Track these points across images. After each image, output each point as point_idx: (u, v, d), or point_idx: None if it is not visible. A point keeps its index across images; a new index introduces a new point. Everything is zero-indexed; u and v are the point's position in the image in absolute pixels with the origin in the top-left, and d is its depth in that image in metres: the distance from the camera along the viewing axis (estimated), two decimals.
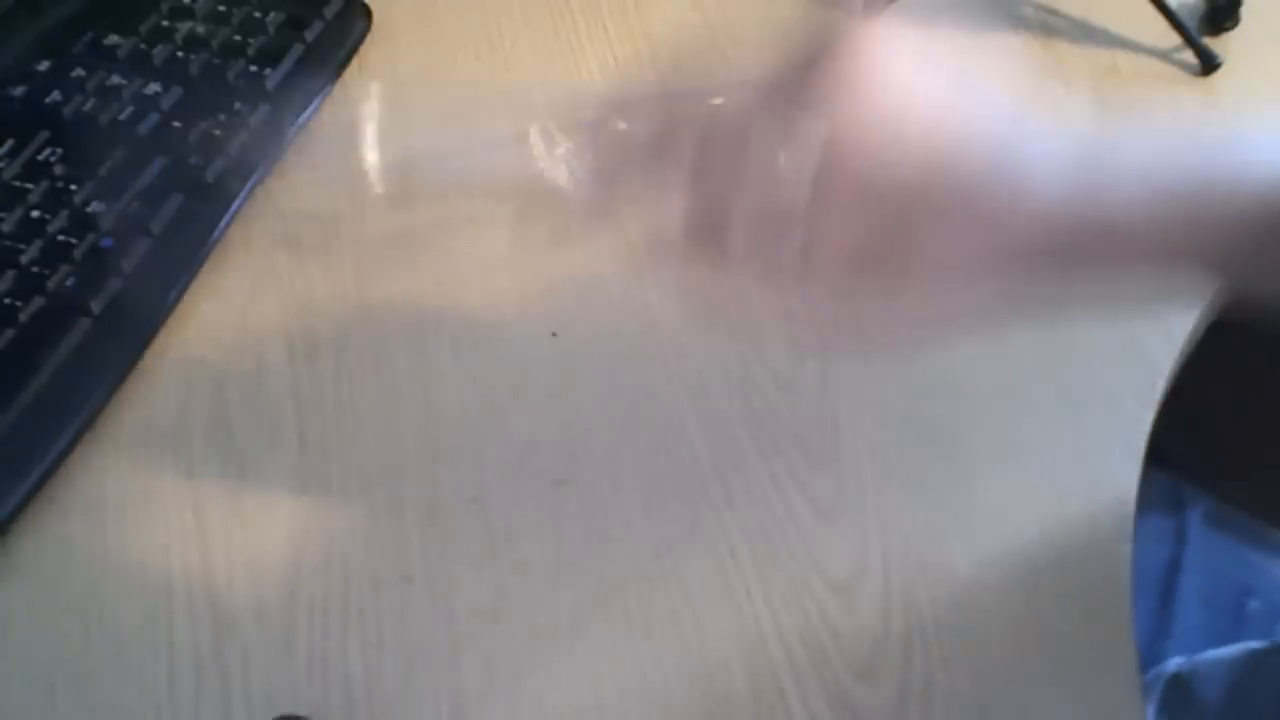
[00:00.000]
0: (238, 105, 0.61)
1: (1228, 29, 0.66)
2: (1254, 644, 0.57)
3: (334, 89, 0.64)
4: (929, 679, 0.44)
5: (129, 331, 0.54)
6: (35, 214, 0.56)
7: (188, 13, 0.65)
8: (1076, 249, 0.39)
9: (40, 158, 0.58)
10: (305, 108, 0.62)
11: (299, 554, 0.48)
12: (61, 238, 0.55)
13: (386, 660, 0.45)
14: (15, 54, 0.64)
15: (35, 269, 0.54)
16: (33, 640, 0.46)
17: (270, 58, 0.63)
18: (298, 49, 0.64)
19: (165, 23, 0.65)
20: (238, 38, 0.64)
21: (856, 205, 0.38)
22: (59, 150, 0.59)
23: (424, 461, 0.51)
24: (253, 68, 0.62)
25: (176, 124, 0.60)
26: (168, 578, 0.48)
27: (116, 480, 0.50)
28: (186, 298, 0.55)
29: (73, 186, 0.57)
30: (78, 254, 0.55)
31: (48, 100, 0.61)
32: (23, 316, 0.53)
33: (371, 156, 0.62)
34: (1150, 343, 0.52)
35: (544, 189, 0.60)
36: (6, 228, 0.56)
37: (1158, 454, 0.68)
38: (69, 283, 0.54)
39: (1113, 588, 0.46)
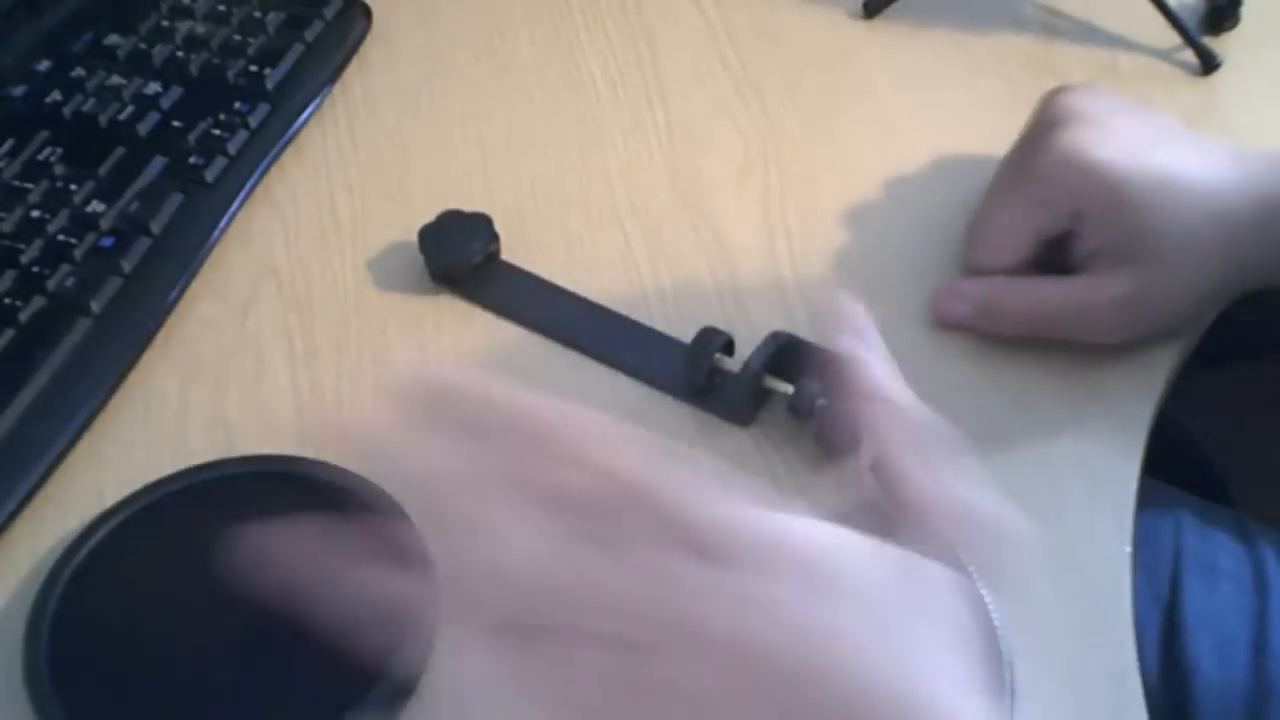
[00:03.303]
0: (238, 105, 0.61)
1: (1228, 29, 0.66)
2: None
3: (334, 89, 0.64)
4: None
5: (129, 331, 0.54)
6: (35, 214, 0.56)
7: (188, 13, 0.66)
8: None
9: (40, 158, 0.58)
10: (305, 108, 0.62)
11: None
12: (61, 238, 0.55)
13: None
14: (15, 54, 0.64)
15: (35, 269, 0.54)
16: None
17: (270, 58, 0.63)
18: (298, 49, 0.64)
19: (165, 23, 0.65)
20: (238, 38, 0.64)
21: None
22: (59, 150, 0.59)
23: None
24: (253, 68, 0.62)
25: (176, 124, 0.60)
26: None
27: (116, 480, 0.50)
28: (186, 297, 0.55)
29: (73, 186, 0.57)
30: (78, 254, 0.55)
31: (48, 100, 0.61)
32: (23, 316, 0.53)
33: (371, 156, 0.62)
34: (1150, 343, 0.52)
35: (544, 188, 0.60)
36: (6, 228, 0.56)
37: (1221, 490, 0.66)
38: (69, 283, 0.54)
39: (1112, 589, 0.46)
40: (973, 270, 0.54)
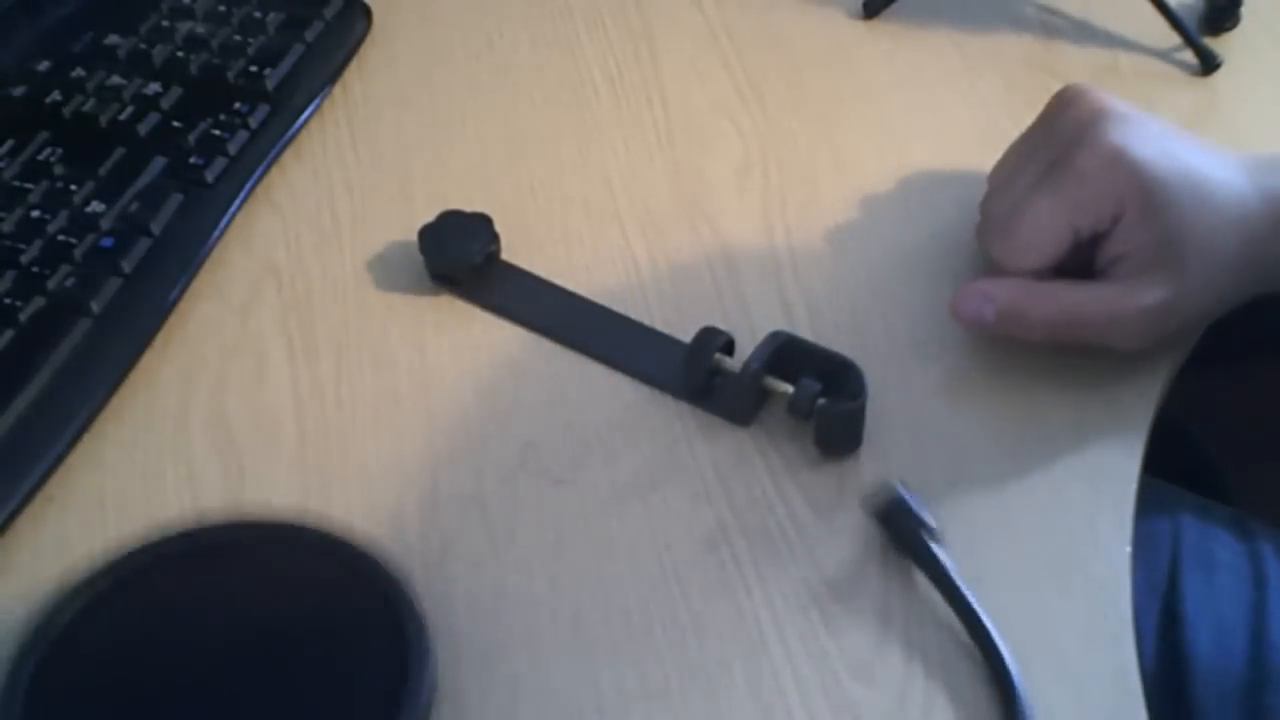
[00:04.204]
0: (238, 105, 0.61)
1: (1228, 29, 0.66)
2: None
3: (334, 89, 0.64)
4: (929, 679, 0.44)
5: (129, 331, 0.54)
6: (35, 214, 0.56)
7: (188, 13, 0.66)
8: None
9: (40, 158, 0.59)
10: (305, 108, 0.62)
11: None
12: (61, 238, 0.55)
13: None
14: (15, 54, 0.64)
15: (35, 269, 0.54)
16: None
17: (270, 58, 0.63)
18: (298, 49, 0.64)
19: (165, 23, 0.65)
20: (238, 38, 0.64)
21: None
22: (59, 150, 0.59)
23: (424, 461, 0.51)
24: (253, 68, 0.62)
25: (176, 124, 0.60)
26: None
27: (116, 480, 0.50)
28: (186, 298, 0.56)
29: (73, 186, 0.57)
30: (78, 254, 0.55)
31: (48, 100, 0.61)
32: (23, 316, 0.53)
33: (371, 156, 0.62)
34: None
35: (544, 188, 0.60)
36: (6, 228, 0.56)
37: (1221, 489, 0.66)
38: (69, 283, 0.54)
39: (1113, 589, 0.46)
40: (1001, 269, 0.51)
